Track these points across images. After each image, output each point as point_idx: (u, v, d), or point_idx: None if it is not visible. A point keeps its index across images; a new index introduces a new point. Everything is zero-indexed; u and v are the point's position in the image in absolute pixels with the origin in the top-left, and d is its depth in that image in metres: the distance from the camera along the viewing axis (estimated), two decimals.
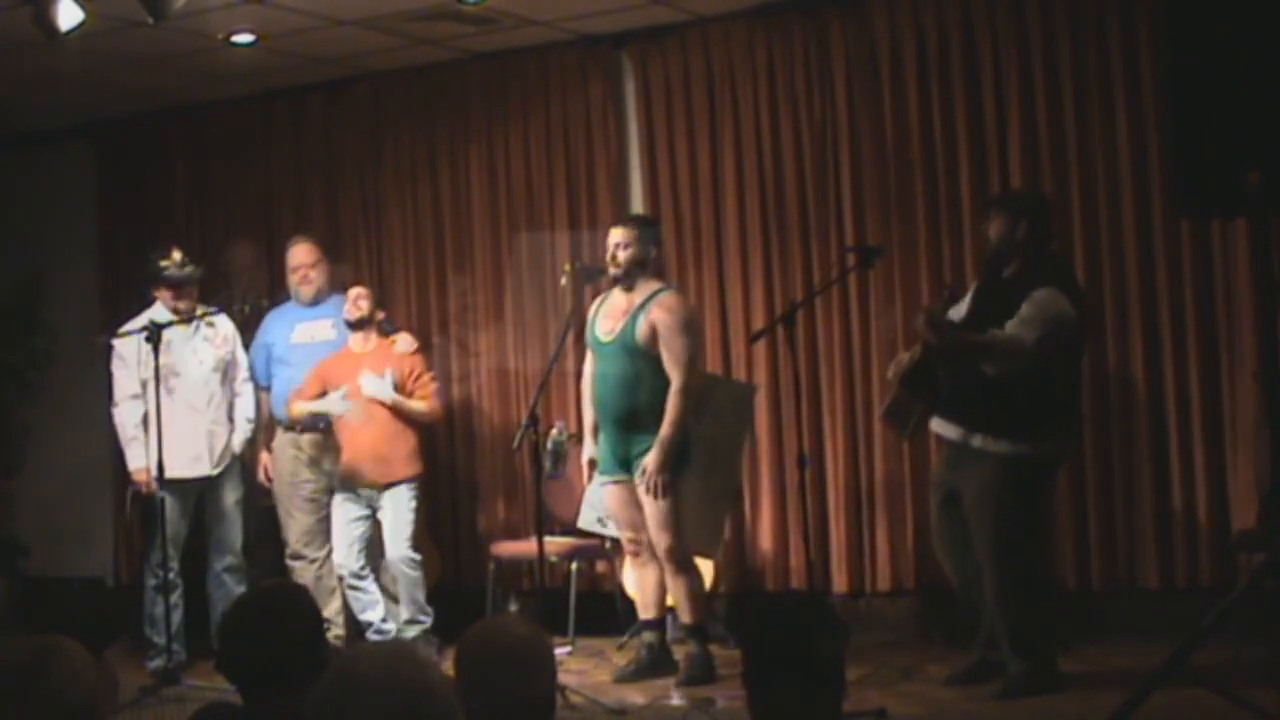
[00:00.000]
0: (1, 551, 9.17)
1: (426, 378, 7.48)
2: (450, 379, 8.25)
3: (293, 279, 7.79)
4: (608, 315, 6.62)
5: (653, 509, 6.43)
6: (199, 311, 7.40)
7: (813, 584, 6.70)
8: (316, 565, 7.52)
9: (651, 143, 8.03)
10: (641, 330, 6.46)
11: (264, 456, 7.75)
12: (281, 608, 3.15)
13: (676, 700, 6.27)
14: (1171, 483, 6.94)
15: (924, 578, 7.29)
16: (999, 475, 5.93)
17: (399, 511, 7.27)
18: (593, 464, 6.72)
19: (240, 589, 7.20)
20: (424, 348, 7.79)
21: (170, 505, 7.16)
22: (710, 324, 7.72)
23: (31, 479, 9.53)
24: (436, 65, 8.40)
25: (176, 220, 9.12)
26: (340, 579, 7.39)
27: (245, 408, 7.55)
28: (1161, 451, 6.97)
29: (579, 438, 7.19)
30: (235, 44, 7.82)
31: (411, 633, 7.24)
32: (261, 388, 7.74)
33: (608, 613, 7.74)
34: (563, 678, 5.63)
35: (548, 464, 7.09)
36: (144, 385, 7.20)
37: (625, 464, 6.52)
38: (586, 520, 7.01)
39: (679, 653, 6.67)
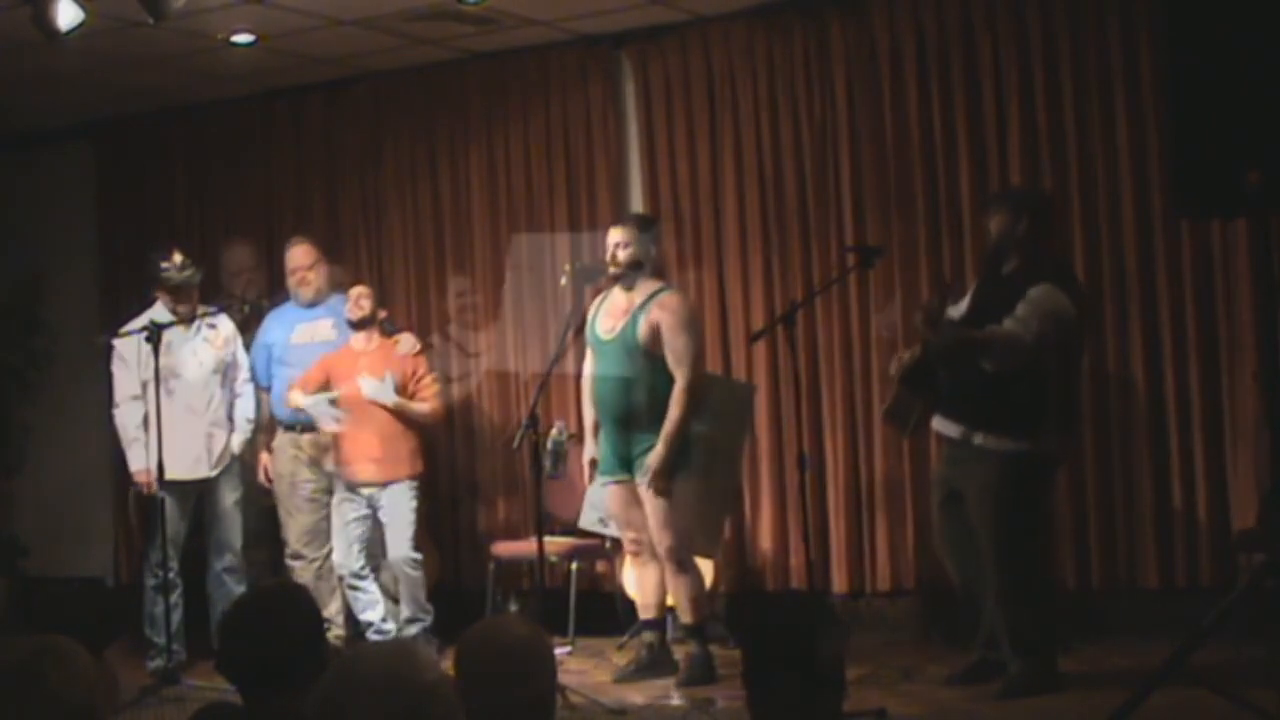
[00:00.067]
0: (1, 551, 9.18)
1: (429, 379, 7.49)
2: (450, 379, 8.25)
3: (291, 280, 7.79)
4: (608, 314, 6.61)
5: (653, 508, 6.43)
6: (199, 312, 7.40)
7: (813, 584, 6.68)
8: (316, 565, 7.52)
9: (651, 143, 8.03)
10: (642, 330, 6.46)
11: (264, 456, 7.75)
12: (281, 608, 3.15)
13: (676, 700, 6.27)
14: (1171, 483, 6.94)
15: (924, 577, 7.28)
16: (1000, 473, 5.93)
17: (400, 511, 7.27)
18: (593, 464, 6.72)
19: (240, 589, 7.20)
20: (424, 348, 7.79)
21: (170, 506, 7.16)
22: (710, 324, 7.71)
23: (31, 479, 9.53)
24: (436, 65, 8.40)
25: (176, 220, 9.12)
26: (340, 579, 7.40)
27: (246, 408, 7.55)
28: (1161, 451, 6.96)
29: (579, 437, 7.19)
30: (235, 44, 7.82)
31: (412, 631, 7.24)
32: (262, 388, 7.74)
33: (608, 613, 7.73)
34: (563, 678, 5.61)
35: (548, 464, 7.08)
36: (144, 386, 7.21)
37: (626, 464, 6.52)
38: (588, 520, 7.02)
39: (679, 653, 6.67)
